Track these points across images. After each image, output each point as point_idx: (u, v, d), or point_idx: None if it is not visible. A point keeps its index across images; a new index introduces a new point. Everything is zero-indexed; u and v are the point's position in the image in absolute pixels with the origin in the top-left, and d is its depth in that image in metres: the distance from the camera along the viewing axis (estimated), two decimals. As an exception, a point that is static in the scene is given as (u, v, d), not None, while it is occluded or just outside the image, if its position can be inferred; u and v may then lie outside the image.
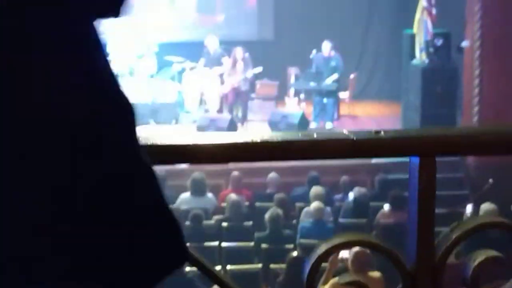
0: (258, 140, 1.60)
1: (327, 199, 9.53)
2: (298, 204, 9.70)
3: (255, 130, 9.82)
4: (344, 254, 6.53)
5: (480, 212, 7.91)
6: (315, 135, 1.66)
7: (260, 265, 8.02)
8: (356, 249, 6.68)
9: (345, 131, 1.64)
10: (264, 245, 8.35)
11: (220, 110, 14.52)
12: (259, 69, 13.84)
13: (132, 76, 14.92)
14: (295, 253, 7.70)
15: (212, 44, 14.78)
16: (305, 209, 9.13)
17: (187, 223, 8.53)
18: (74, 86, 1.20)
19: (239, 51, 13.89)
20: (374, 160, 11.51)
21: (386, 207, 9.17)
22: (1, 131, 1.16)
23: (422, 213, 1.68)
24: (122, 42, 14.91)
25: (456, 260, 4.56)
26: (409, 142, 1.69)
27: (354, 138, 1.61)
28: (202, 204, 9.57)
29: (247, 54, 13.93)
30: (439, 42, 11.86)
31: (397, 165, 10.02)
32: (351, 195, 9.83)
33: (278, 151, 1.66)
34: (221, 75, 14.56)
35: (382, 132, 1.64)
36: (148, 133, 1.62)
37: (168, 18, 17.01)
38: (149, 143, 1.55)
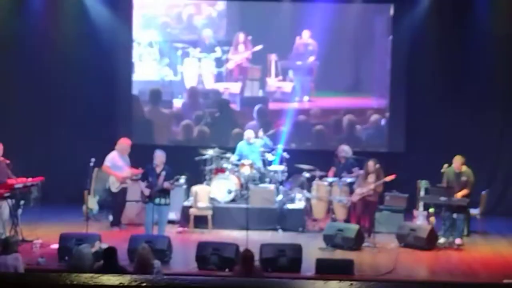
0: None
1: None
2: None
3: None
4: None
5: None
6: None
7: None
8: None
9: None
10: None
11: (347, 221, 14.48)
12: (391, 177, 13.75)
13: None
14: None
15: (345, 154, 14.96)
16: None
17: None
18: None
19: (371, 163, 13.94)
20: None
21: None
22: None
23: None
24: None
25: None
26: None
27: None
28: None
29: (377, 165, 13.92)
30: None
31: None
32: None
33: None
34: (350, 184, 14.62)
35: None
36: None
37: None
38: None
